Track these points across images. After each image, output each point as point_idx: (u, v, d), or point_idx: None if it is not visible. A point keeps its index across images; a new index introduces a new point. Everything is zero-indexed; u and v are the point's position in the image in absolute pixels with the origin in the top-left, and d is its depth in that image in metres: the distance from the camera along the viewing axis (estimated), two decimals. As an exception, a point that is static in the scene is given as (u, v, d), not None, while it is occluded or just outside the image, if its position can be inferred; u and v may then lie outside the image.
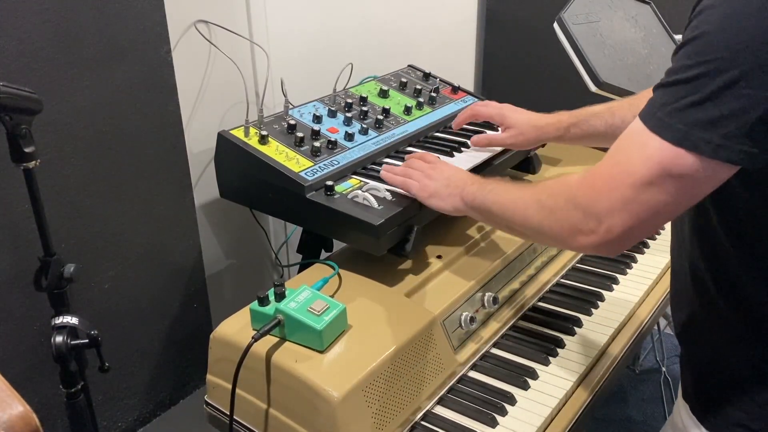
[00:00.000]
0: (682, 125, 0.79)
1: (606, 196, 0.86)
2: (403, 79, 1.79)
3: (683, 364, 1.09)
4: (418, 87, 1.77)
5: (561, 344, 1.33)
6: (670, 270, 1.12)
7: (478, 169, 1.50)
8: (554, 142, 1.44)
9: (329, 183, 1.32)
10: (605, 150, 1.20)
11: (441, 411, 1.17)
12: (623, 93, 1.67)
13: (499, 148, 1.55)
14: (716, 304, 0.96)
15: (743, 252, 0.90)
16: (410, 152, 1.53)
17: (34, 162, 1.08)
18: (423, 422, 1.14)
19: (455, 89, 1.83)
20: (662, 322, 2.48)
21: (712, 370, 1.01)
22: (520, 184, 1.08)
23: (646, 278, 1.55)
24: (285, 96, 1.56)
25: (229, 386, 1.13)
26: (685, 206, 0.86)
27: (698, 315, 1.02)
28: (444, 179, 1.22)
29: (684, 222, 1.01)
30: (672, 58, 0.84)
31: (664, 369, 2.40)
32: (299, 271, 1.47)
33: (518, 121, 1.42)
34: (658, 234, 1.74)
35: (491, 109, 1.48)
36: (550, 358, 1.29)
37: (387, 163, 1.48)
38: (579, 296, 1.47)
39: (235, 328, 1.18)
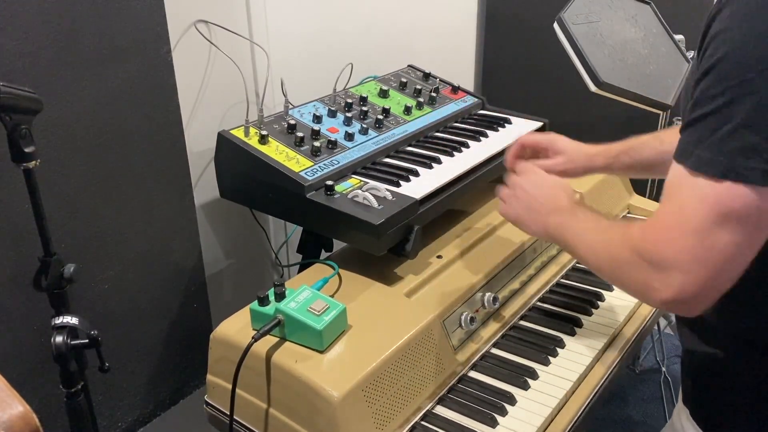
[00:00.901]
0: (724, 158, 0.75)
1: (670, 248, 0.80)
2: (403, 79, 1.79)
3: (684, 368, 1.09)
4: (418, 87, 1.77)
5: (561, 344, 1.33)
6: None
7: (478, 169, 1.50)
8: (603, 173, 1.38)
9: (329, 183, 1.32)
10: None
11: (441, 411, 1.17)
12: (623, 93, 1.67)
13: (500, 148, 1.55)
14: (719, 308, 0.96)
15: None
16: (410, 152, 1.54)
17: (34, 162, 1.08)
18: (423, 422, 1.14)
19: (455, 89, 1.83)
20: (662, 322, 2.48)
21: (712, 375, 1.01)
22: (600, 225, 0.99)
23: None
24: (285, 96, 1.56)
25: (229, 386, 1.13)
26: (758, 242, 0.79)
27: (700, 318, 1.01)
28: (527, 202, 1.14)
29: None
30: (691, 92, 0.81)
31: (664, 369, 2.40)
32: (299, 271, 1.47)
33: (568, 148, 1.34)
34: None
35: (538, 136, 1.40)
36: (550, 358, 1.29)
37: (389, 163, 1.48)
38: (579, 296, 1.47)
39: (235, 328, 1.18)
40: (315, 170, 1.37)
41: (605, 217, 1.02)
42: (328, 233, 1.45)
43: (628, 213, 1.84)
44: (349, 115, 1.57)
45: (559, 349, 1.32)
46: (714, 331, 0.99)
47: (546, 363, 1.28)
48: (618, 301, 1.47)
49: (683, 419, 1.06)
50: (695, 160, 0.78)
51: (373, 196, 1.29)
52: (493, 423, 1.14)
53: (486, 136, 1.63)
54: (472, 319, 1.27)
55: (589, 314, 1.42)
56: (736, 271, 0.80)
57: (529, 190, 1.15)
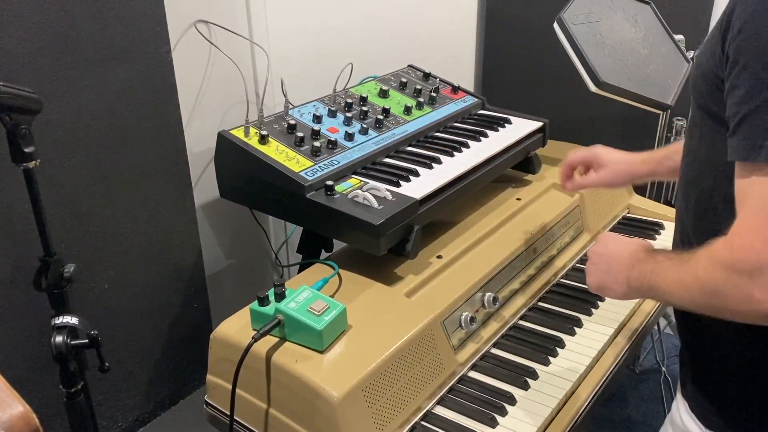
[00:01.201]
0: None
1: (763, 250, 0.76)
2: (403, 79, 1.79)
3: (682, 361, 1.09)
4: (418, 87, 1.77)
5: (561, 344, 1.33)
6: None
7: (478, 169, 1.50)
8: (648, 179, 1.40)
9: (329, 183, 1.32)
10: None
11: (441, 411, 1.17)
12: (623, 93, 1.67)
13: (500, 148, 1.55)
14: None
15: None
16: (410, 152, 1.54)
17: (34, 162, 1.08)
18: (423, 422, 1.14)
19: (455, 89, 1.83)
20: (662, 322, 2.47)
21: (710, 368, 1.02)
22: (681, 257, 0.92)
23: (646, 278, 1.55)
24: (285, 96, 1.56)
25: (229, 386, 1.13)
26: None
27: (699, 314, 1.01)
28: (606, 266, 1.11)
29: (689, 217, 1.01)
30: (724, 85, 0.80)
31: (664, 369, 2.40)
32: (299, 271, 1.47)
33: (611, 160, 1.37)
34: (659, 234, 1.74)
35: (583, 151, 1.44)
36: (550, 358, 1.29)
37: (389, 163, 1.48)
38: (579, 296, 1.47)
39: (235, 328, 1.18)
40: (315, 170, 1.37)
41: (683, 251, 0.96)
42: (328, 233, 1.45)
43: (628, 213, 1.85)
44: (349, 115, 1.57)
45: (559, 349, 1.32)
46: (713, 324, 0.99)
47: (546, 363, 1.28)
48: (618, 301, 1.47)
49: (682, 412, 1.06)
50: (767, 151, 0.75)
51: (373, 196, 1.29)
52: (493, 423, 1.14)
53: (486, 136, 1.63)
54: (472, 319, 1.27)
55: (590, 314, 1.42)
56: None
57: (604, 253, 1.11)
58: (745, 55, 0.77)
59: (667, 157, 1.30)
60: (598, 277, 1.10)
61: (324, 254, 1.56)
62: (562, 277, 1.55)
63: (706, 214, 0.96)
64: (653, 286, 0.97)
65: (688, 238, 1.02)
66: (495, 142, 1.60)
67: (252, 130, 1.44)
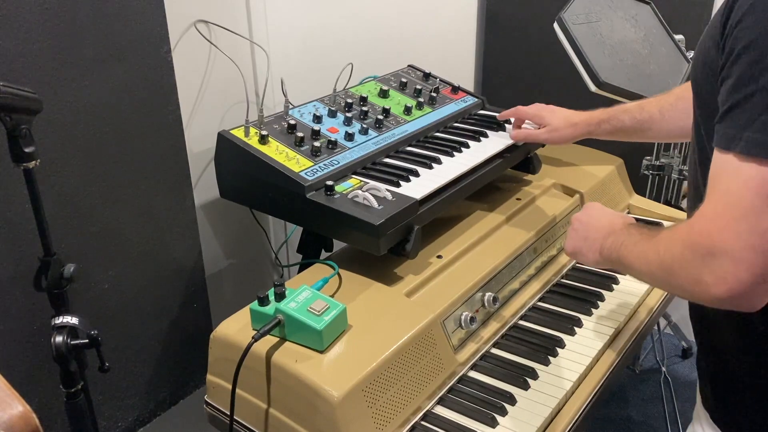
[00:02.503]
0: None
1: (720, 237, 0.77)
2: (403, 79, 1.79)
3: (701, 371, 1.08)
4: (418, 87, 1.77)
5: (561, 344, 1.33)
6: None
7: (478, 169, 1.50)
8: (587, 137, 1.53)
9: (329, 183, 1.32)
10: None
11: (441, 411, 1.17)
12: (623, 93, 1.67)
13: (500, 148, 1.56)
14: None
15: None
16: (410, 152, 1.54)
17: (34, 162, 1.08)
18: (423, 422, 1.14)
19: (455, 89, 1.83)
20: (662, 322, 2.48)
21: (731, 376, 1.00)
22: (651, 233, 0.97)
23: (646, 278, 1.55)
24: (285, 96, 1.56)
25: (229, 386, 1.13)
26: None
27: (717, 318, 1.01)
28: (584, 232, 1.17)
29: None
30: (717, 78, 0.81)
31: (664, 369, 2.40)
32: (299, 271, 1.47)
33: (554, 119, 1.53)
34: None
35: (531, 108, 1.59)
36: (550, 358, 1.29)
37: (389, 163, 1.48)
38: (579, 296, 1.47)
39: (235, 328, 1.18)
40: (315, 170, 1.37)
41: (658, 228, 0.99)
42: (328, 233, 1.45)
43: (628, 213, 1.85)
44: (349, 115, 1.57)
45: (559, 349, 1.32)
46: (729, 331, 0.99)
47: (546, 363, 1.28)
48: (618, 301, 1.47)
49: (704, 423, 1.05)
50: (746, 143, 0.76)
51: (373, 196, 1.29)
52: (493, 423, 1.14)
53: (486, 136, 1.63)
54: (472, 319, 1.27)
55: (590, 314, 1.42)
56: None
57: (585, 221, 1.18)
58: (739, 47, 0.78)
59: (605, 120, 1.45)
60: (576, 242, 1.18)
61: (324, 254, 1.56)
62: (562, 277, 1.55)
63: None
64: (620, 258, 1.02)
65: None
66: (495, 142, 1.60)
67: (252, 130, 1.44)
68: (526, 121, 1.62)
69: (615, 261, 1.05)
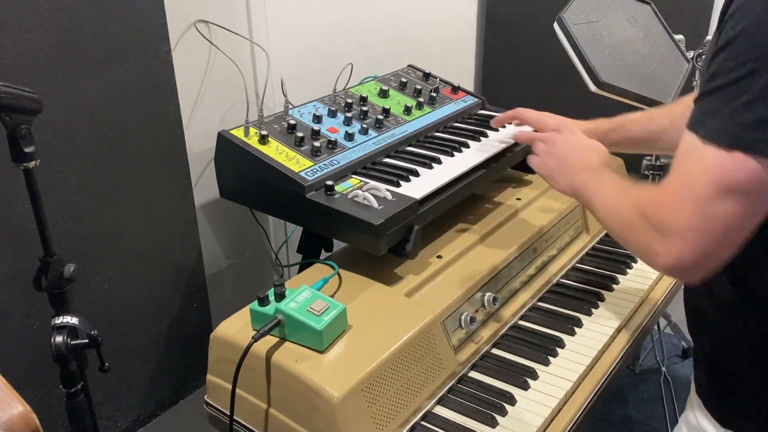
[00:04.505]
0: (735, 129, 0.76)
1: (673, 215, 0.82)
2: (403, 79, 1.79)
3: (696, 359, 1.09)
4: (418, 87, 1.77)
5: (561, 344, 1.33)
6: None
7: (478, 169, 1.50)
8: None
9: (329, 183, 1.32)
10: (610, 151, 1.21)
11: (441, 411, 1.17)
12: (623, 93, 1.67)
13: (500, 148, 1.55)
14: (728, 295, 0.96)
15: (762, 242, 0.89)
16: (410, 152, 1.54)
17: (34, 162, 1.08)
18: (423, 422, 1.14)
19: (455, 89, 1.83)
20: (662, 322, 2.48)
21: (724, 363, 1.01)
22: (620, 185, 1.02)
23: (647, 278, 1.55)
24: (285, 96, 1.56)
25: (229, 386, 1.13)
26: (759, 216, 0.80)
27: (709, 306, 1.01)
28: (561, 159, 1.19)
29: None
30: (708, 64, 0.82)
31: (664, 369, 2.40)
32: (299, 271, 1.47)
33: (558, 126, 1.39)
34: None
35: (533, 114, 1.48)
36: (550, 358, 1.29)
37: (389, 163, 1.48)
38: (579, 296, 1.47)
39: (235, 328, 1.18)
40: (315, 170, 1.37)
41: (631, 181, 1.03)
42: (328, 233, 1.45)
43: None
44: (349, 115, 1.57)
45: (559, 349, 1.32)
46: (725, 322, 0.99)
47: (546, 363, 1.28)
48: (618, 301, 1.47)
49: (697, 411, 1.06)
50: (707, 130, 0.79)
51: (373, 196, 1.29)
52: (493, 423, 1.14)
53: (486, 136, 1.63)
54: (472, 319, 1.27)
55: (590, 314, 1.42)
56: (735, 242, 0.81)
57: (564, 147, 1.20)
58: (726, 39, 0.80)
59: (613, 130, 1.39)
60: (551, 167, 1.20)
61: (324, 254, 1.56)
62: (562, 277, 1.55)
63: None
64: (588, 198, 1.08)
65: None
66: (495, 142, 1.60)
67: (252, 130, 1.44)
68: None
69: (582, 199, 1.11)
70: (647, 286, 1.52)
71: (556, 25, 1.69)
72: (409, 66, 1.89)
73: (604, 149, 1.18)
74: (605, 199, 1.04)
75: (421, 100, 1.72)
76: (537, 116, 1.46)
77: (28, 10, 1.22)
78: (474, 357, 1.28)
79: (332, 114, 1.58)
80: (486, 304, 1.33)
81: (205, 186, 1.70)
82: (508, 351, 1.32)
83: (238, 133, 1.44)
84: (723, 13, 0.82)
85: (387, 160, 1.50)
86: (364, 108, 1.61)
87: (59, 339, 1.11)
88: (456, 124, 1.71)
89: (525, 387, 1.22)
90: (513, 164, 1.65)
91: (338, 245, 1.46)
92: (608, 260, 1.60)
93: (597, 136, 1.37)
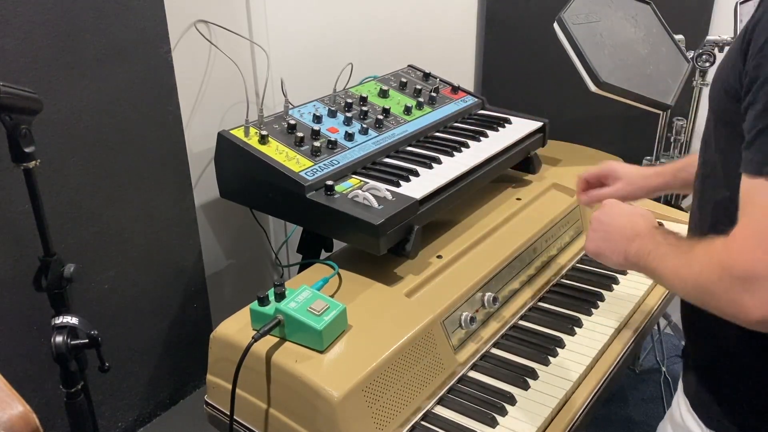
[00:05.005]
0: None
1: (760, 263, 0.77)
2: (403, 79, 1.79)
3: (686, 359, 1.09)
4: (418, 87, 1.77)
5: (561, 344, 1.33)
6: None
7: (478, 169, 1.50)
8: (663, 191, 1.41)
9: (329, 183, 1.32)
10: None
11: (441, 411, 1.17)
12: (623, 93, 1.67)
13: (499, 148, 1.56)
14: None
15: None
16: (410, 152, 1.54)
17: (34, 162, 1.08)
18: (423, 422, 1.14)
19: (455, 89, 1.83)
20: (662, 322, 2.47)
21: (713, 365, 1.02)
22: (681, 245, 0.95)
23: (647, 279, 1.55)
24: (285, 96, 1.56)
25: (229, 386, 1.13)
26: None
27: (705, 310, 1.01)
28: (605, 233, 1.13)
29: (701, 214, 1.01)
30: (752, 94, 0.82)
31: (664, 369, 2.40)
32: (299, 271, 1.47)
33: (626, 173, 1.39)
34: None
35: (596, 167, 1.45)
36: (550, 358, 1.29)
37: (389, 163, 1.48)
38: (579, 296, 1.47)
39: (235, 328, 1.18)
40: (315, 170, 1.37)
41: (685, 237, 0.98)
42: (328, 233, 1.45)
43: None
44: (349, 115, 1.57)
45: (559, 349, 1.32)
46: (717, 323, 0.99)
47: (546, 363, 1.28)
48: (618, 301, 1.47)
49: (683, 409, 1.06)
50: None
51: (373, 196, 1.29)
52: (493, 423, 1.14)
53: (486, 136, 1.63)
54: (472, 319, 1.27)
55: (590, 314, 1.42)
56: None
57: (605, 221, 1.13)
58: (764, 72, 0.78)
59: (682, 169, 1.31)
60: (597, 244, 1.13)
61: (324, 254, 1.56)
62: (562, 277, 1.55)
63: (720, 226, 0.96)
64: (649, 268, 1.00)
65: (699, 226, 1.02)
66: (495, 142, 1.60)
67: (252, 130, 1.44)
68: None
69: (642, 268, 1.03)
70: (647, 286, 1.52)
71: (556, 25, 1.69)
72: (409, 66, 1.89)
73: (649, 213, 1.12)
74: (669, 264, 0.95)
75: (421, 100, 1.72)
76: (606, 166, 1.41)
77: (28, 10, 1.22)
78: (474, 357, 1.28)
79: (332, 114, 1.58)
80: (486, 304, 1.33)
81: (205, 186, 1.70)
82: (508, 351, 1.32)
83: (238, 133, 1.44)
84: (746, 42, 0.81)
85: (387, 160, 1.50)
86: (364, 108, 1.61)
87: (59, 339, 1.11)
88: (456, 124, 1.71)
89: (525, 387, 1.22)
90: (513, 164, 1.65)
91: (338, 245, 1.46)
92: (608, 260, 1.60)
93: (667, 178, 1.34)
